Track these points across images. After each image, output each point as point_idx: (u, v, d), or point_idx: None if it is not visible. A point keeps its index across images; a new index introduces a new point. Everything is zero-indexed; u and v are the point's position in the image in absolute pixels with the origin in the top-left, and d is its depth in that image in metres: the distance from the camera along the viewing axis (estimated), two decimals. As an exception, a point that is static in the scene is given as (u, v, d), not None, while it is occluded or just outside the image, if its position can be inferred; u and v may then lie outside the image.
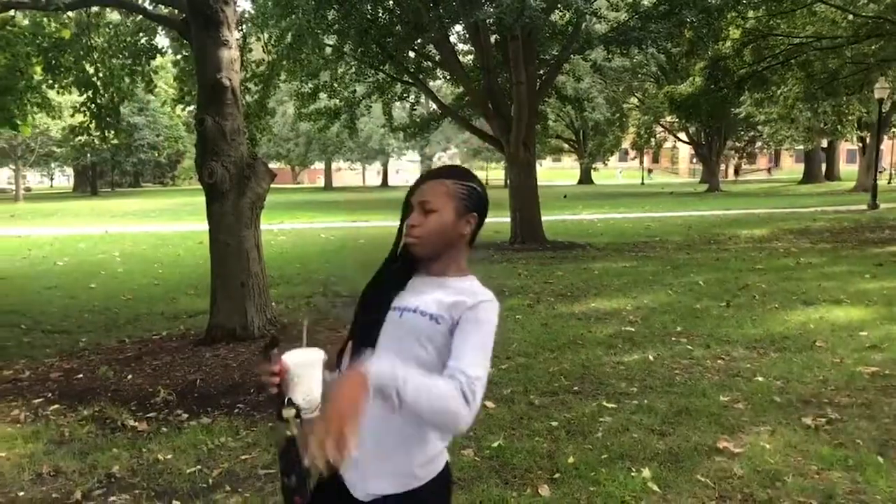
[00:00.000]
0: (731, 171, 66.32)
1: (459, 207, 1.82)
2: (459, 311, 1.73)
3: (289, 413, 1.70)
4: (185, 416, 4.97)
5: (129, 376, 5.84)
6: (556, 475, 3.88)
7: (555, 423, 4.66)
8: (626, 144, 56.88)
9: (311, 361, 1.70)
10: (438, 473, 1.80)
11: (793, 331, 7.04)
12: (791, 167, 69.83)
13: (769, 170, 71.51)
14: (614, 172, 70.47)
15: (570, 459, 4.06)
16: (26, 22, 11.05)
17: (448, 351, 1.69)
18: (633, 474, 3.84)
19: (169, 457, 4.31)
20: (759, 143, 55.15)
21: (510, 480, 3.86)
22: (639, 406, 4.94)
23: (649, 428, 4.52)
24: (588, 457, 4.10)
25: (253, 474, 4.05)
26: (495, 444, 4.32)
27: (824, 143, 47.77)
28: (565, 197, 37.21)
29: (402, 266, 1.87)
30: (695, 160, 61.81)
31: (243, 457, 4.28)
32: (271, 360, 1.72)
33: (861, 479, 3.68)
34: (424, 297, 1.80)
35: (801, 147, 46.74)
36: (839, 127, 34.40)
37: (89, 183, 57.27)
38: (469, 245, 1.88)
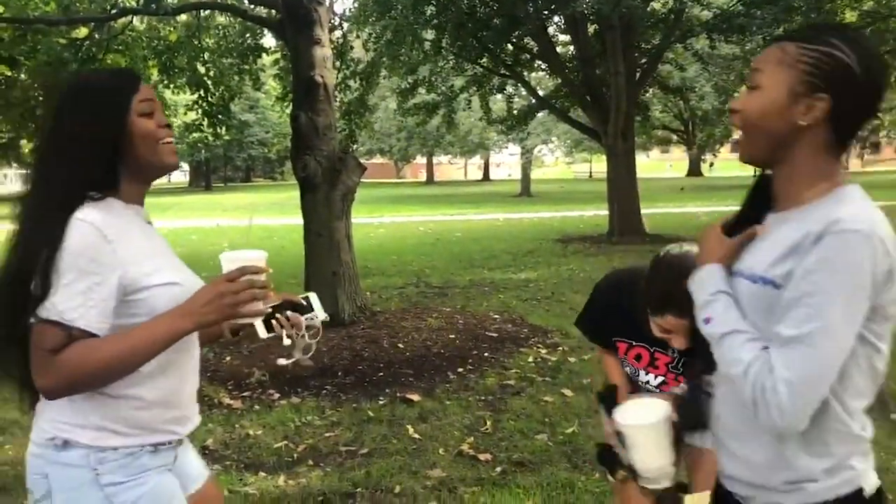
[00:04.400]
0: (852, 161, 63.00)
1: (795, 83, 1.26)
2: (801, 255, 1.20)
3: (621, 475, 1.59)
4: (277, 395, 5.25)
5: (228, 359, 6.19)
6: (627, 462, 3.91)
7: (632, 413, 4.67)
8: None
9: (645, 426, 1.50)
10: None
11: None
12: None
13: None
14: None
15: (643, 447, 4.07)
16: (143, 27, 11.76)
17: None
18: (705, 464, 3.83)
19: (259, 432, 4.58)
20: (882, 133, 52.23)
21: (580, 465, 3.92)
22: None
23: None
24: (661, 445, 4.10)
25: (335, 451, 4.27)
26: (569, 430, 4.38)
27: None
28: (682, 189, 36.39)
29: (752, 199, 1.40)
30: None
31: (327, 434, 4.51)
32: (609, 415, 1.58)
33: None
34: (760, 245, 1.33)
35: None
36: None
37: (203, 178, 60.10)
38: (832, 147, 1.30)
